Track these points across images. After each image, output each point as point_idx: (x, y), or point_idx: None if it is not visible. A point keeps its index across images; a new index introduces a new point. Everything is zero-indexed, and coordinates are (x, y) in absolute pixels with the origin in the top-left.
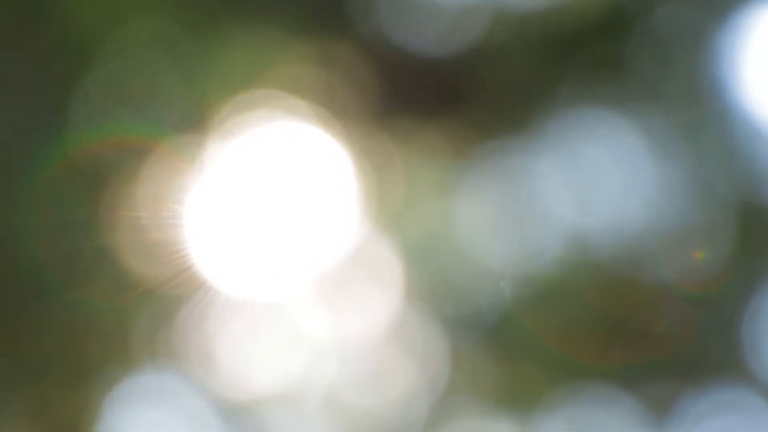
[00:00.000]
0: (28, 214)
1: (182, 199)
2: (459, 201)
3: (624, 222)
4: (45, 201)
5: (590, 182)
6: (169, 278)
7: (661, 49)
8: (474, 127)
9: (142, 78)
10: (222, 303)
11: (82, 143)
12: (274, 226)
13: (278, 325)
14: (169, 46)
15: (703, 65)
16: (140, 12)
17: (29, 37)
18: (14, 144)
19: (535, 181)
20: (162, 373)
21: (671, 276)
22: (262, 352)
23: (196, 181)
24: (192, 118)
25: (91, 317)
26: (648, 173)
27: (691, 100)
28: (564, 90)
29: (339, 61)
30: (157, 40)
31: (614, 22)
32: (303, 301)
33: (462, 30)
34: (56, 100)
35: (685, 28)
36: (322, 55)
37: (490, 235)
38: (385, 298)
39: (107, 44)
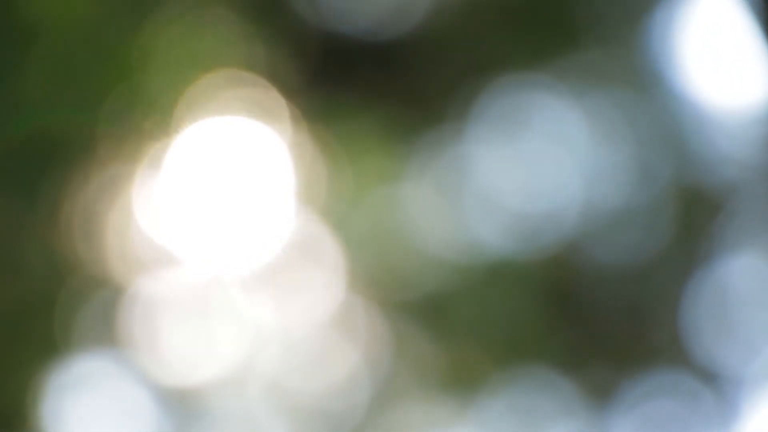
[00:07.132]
0: None
1: (126, 186)
2: (401, 186)
3: (565, 205)
4: None
5: (532, 166)
6: (112, 263)
7: (602, 30)
8: (416, 111)
9: (79, 64)
10: (165, 289)
11: (22, 130)
12: (217, 212)
13: (221, 311)
14: (103, 30)
15: (643, 46)
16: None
17: None
18: None
19: (476, 165)
20: (104, 359)
21: (612, 258)
22: (205, 339)
23: (138, 168)
24: (130, 104)
25: (33, 302)
26: (589, 156)
27: (631, 81)
28: (505, 73)
29: (280, 45)
30: (93, 26)
31: (555, 2)
32: (246, 286)
33: (403, 13)
34: None
35: (627, 8)
36: (263, 38)
37: (433, 220)
38: (327, 283)
39: (47, 29)
